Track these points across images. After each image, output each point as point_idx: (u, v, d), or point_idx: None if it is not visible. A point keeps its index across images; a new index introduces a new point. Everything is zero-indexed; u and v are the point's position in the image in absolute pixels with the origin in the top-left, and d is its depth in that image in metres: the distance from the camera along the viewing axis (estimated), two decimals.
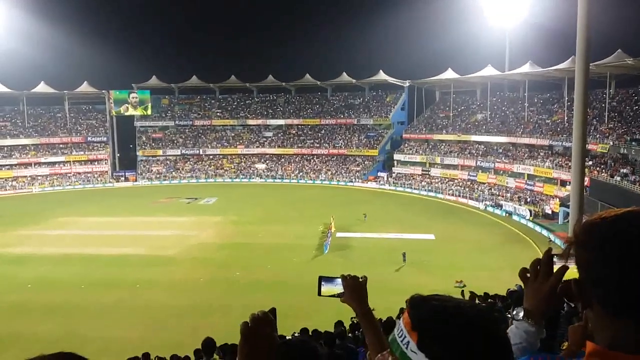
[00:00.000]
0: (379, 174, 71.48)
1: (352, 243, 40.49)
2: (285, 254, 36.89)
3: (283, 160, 78.67)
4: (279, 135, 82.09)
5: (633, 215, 1.08)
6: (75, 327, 24.73)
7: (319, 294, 2.51)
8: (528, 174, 56.22)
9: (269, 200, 58.84)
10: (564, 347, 2.67)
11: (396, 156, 71.79)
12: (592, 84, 44.88)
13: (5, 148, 74.91)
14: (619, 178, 43.22)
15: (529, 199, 52.78)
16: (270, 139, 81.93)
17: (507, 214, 51.05)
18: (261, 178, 75.69)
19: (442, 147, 69.16)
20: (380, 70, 78.15)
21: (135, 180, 75.98)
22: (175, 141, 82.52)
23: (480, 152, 64.47)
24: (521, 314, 1.70)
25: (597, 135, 50.29)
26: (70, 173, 75.37)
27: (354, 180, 71.60)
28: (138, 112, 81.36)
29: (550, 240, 40.01)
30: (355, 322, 12.80)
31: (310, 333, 12.50)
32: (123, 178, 76.36)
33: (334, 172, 74.47)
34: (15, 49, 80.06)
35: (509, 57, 70.85)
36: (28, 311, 27.15)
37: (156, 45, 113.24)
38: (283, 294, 26.67)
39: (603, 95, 56.79)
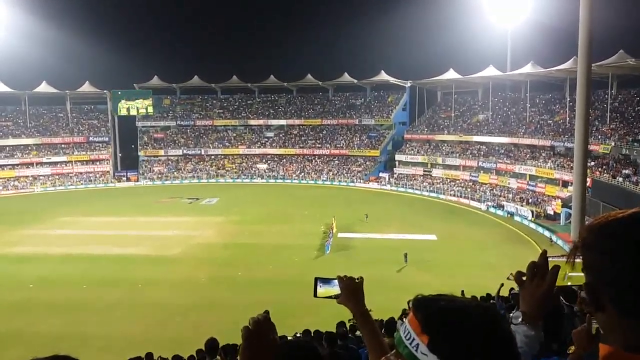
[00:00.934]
0: (381, 174, 71.43)
1: (353, 243, 40.46)
2: (287, 253, 36.92)
3: (284, 160, 78.68)
4: (281, 135, 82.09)
5: None
6: (78, 325, 24.85)
7: (315, 295, 2.46)
8: (530, 175, 56.11)
9: (271, 201, 58.85)
10: (571, 351, 2.67)
11: (398, 157, 71.76)
12: (594, 85, 44.90)
13: (7, 148, 75.06)
14: (621, 179, 43.07)
15: (530, 200, 52.72)
16: (271, 139, 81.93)
17: (508, 215, 50.99)
18: (263, 178, 75.71)
19: (444, 147, 69.10)
20: (382, 71, 78.19)
21: (137, 181, 76.05)
22: (176, 141, 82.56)
23: (482, 153, 64.38)
24: (520, 318, 1.71)
25: (599, 136, 50.22)
26: (72, 173, 75.49)
27: (355, 180, 71.56)
28: (140, 110, 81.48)
29: (552, 241, 39.97)
30: (353, 323, 12.77)
31: (312, 334, 12.48)
32: (125, 178, 76.41)
33: (335, 172, 74.46)
34: (17, 49, 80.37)
35: (510, 58, 70.87)
36: (30, 310, 27.23)
37: (158, 45, 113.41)
38: (284, 294, 26.81)
39: (605, 96, 56.75)
